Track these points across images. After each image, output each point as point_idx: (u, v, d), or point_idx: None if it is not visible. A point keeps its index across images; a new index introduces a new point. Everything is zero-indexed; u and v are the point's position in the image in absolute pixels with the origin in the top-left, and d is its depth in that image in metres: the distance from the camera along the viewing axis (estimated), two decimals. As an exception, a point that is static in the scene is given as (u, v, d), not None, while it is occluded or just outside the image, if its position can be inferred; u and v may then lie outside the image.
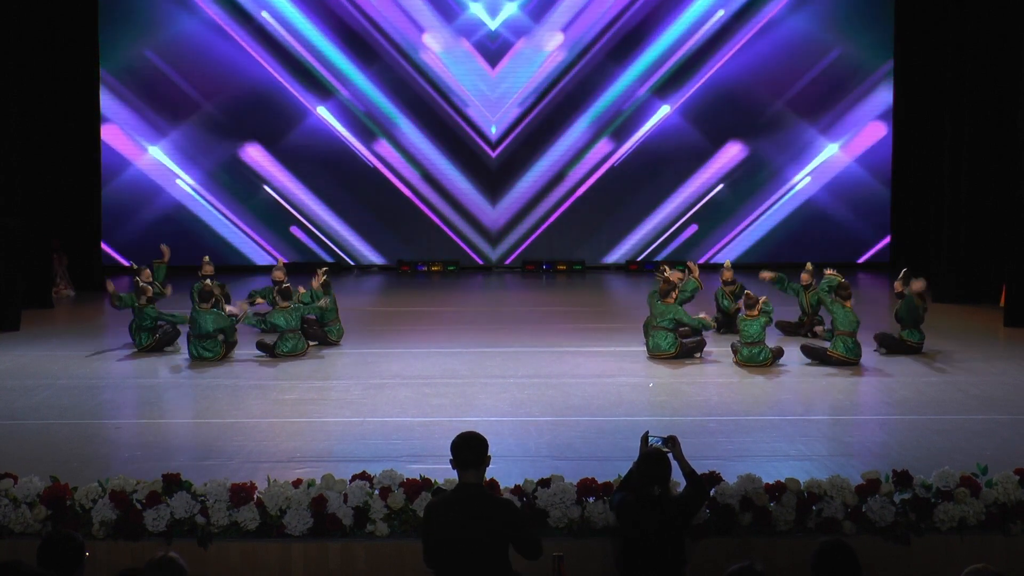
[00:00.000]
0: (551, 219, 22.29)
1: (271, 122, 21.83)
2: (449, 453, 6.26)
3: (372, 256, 22.32)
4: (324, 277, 14.89)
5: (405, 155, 22.06)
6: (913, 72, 20.24)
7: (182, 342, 14.03)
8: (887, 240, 22.04)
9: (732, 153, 22.11)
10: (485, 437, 6.28)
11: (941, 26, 18.88)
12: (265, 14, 21.49)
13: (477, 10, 21.70)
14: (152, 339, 13.94)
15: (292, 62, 21.67)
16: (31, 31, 17.87)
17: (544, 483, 7.91)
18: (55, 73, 18.76)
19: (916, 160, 20.13)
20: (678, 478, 7.25)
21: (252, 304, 14.79)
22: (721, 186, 22.13)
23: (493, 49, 21.83)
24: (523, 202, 22.27)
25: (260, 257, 22.18)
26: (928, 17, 19.62)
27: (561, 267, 22.04)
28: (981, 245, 17.86)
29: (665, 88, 21.96)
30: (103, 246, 20.69)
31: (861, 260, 22.34)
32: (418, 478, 7.94)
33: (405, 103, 21.92)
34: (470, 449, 6.19)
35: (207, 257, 16.33)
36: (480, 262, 22.39)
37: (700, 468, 7.56)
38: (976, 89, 17.88)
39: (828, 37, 21.81)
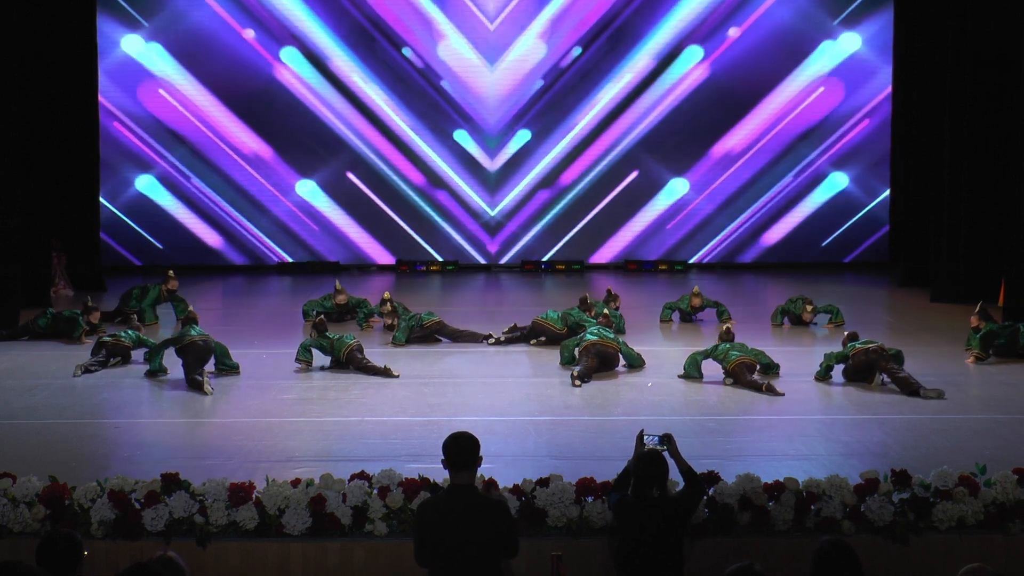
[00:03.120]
0: (549, 218, 22.26)
1: (266, 117, 21.80)
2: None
3: (370, 255, 22.31)
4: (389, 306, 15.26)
5: (405, 155, 22.05)
6: (912, 68, 20.15)
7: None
8: (887, 239, 21.96)
9: (726, 153, 22.09)
10: (476, 437, 6.30)
11: (941, 21, 18.84)
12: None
13: (476, 10, 21.71)
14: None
15: (291, 58, 21.68)
16: (31, 31, 17.86)
17: (543, 482, 7.94)
18: (54, 73, 18.72)
19: (915, 158, 20.03)
20: (675, 477, 7.27)
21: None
22: (715, 184, 22.12)
23: (492, 49, 21.83)
24: (522, 202, 22.26)
25: (243, 257, 22.22)
26: (928, 13, 19.57)
27: (560, 266, 22.05)
28: (980, 244, 17.83)
29: (661, 85, 21.94)
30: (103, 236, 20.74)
31: (855, 259, 22.29)
32: (417, 477, 7.97)
33: (404, 103, 21.91)
34: (462, 450, 6.21)
35: (172, 271, 16.49)
36: (481, 261, 22.38)
37: (699, 468, 7.59)
38: (976, 86, 17.81)
39: (823, 31, 21.77)
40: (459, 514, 6.11)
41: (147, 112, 21.52)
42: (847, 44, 21.75)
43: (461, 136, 22.01)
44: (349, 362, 12.94)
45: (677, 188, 22.14)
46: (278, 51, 21.62)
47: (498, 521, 6.16)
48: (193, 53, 21.45)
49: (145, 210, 21.76)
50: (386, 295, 15.66)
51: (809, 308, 15.58)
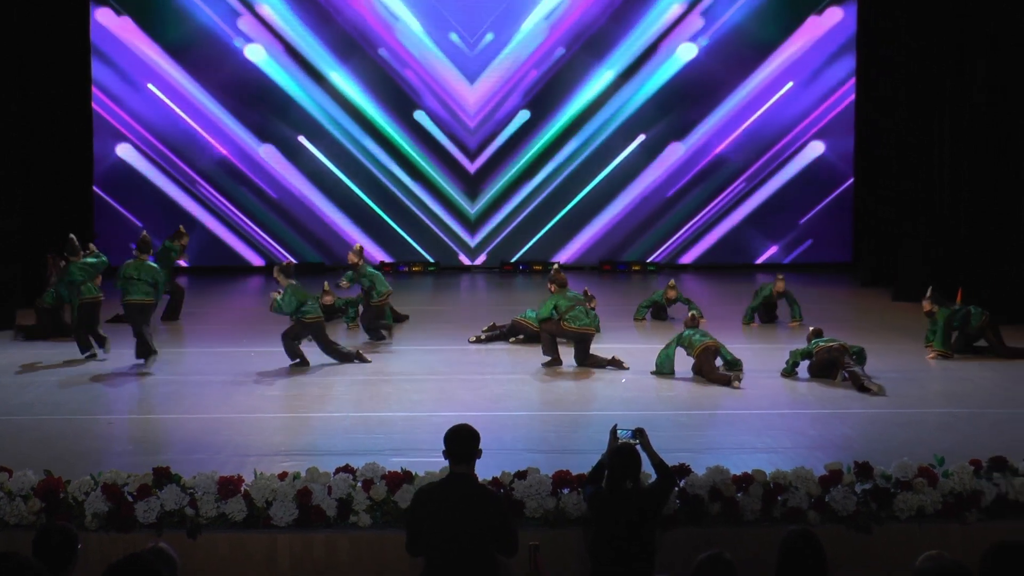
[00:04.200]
0: (520, 218, 22.40)
1: (259, 115, 21.93)
2: (434, 445, 6.43)
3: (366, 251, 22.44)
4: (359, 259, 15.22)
5: (388, 157, 22.20)
6: (878, 66, 20.17)
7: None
8: (851, 240, 22.05)
9: (698, 154, 22.30)
10: (476, 430, 6.38)
11: (904, 24, 19.02)
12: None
13: (456, 23, 21.87)
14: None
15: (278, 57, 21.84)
16: (30, 31, 17.94)
17: (521, 475, 8.09)
18: (54, 73, 18.77)
19: (885, 159, 20.11)
20: (648, 469, 7.52)
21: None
22: (681, 183, 22.35)
23: (471, 58, 21.99)
24: (501, 204, 22.44)
25: (254, 258, 22.39)
26: (887, 14, 19.76)
27: (537, 267, 22.27)
28: (945, 246, 18.05)
29: (632, 87, 22.15)
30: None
31: (821, 260, 22.34)
32: (399, 471, 8.11)
33: (392, 107, 22.05)
34: (461, 442, 6.31)
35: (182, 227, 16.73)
36: (467, 262, 22.52)
37: (670, 460, 7.73)
38: (949, 87, 17.90)
39: (790, 26, 22.00)
40: (455, 503, 6.20)
41: (126, 89, 21.46)
42: (830, 20, 21.83)
43: (440, 136, 22.20)
44: (318, 334, 13.26)
45: (657, 186, 22.33)
46: (264, 48, 21.78)
47: (493, 513, 6.26)
48: (179, 40, 21.49)
49: (130, 186, 21.72)
50: (358, 246, 15.50)
51: (780, 277, 16.07)
